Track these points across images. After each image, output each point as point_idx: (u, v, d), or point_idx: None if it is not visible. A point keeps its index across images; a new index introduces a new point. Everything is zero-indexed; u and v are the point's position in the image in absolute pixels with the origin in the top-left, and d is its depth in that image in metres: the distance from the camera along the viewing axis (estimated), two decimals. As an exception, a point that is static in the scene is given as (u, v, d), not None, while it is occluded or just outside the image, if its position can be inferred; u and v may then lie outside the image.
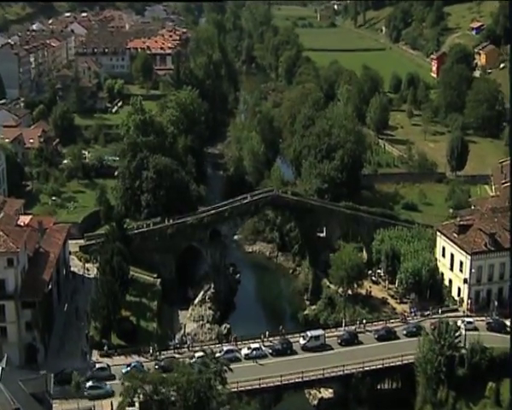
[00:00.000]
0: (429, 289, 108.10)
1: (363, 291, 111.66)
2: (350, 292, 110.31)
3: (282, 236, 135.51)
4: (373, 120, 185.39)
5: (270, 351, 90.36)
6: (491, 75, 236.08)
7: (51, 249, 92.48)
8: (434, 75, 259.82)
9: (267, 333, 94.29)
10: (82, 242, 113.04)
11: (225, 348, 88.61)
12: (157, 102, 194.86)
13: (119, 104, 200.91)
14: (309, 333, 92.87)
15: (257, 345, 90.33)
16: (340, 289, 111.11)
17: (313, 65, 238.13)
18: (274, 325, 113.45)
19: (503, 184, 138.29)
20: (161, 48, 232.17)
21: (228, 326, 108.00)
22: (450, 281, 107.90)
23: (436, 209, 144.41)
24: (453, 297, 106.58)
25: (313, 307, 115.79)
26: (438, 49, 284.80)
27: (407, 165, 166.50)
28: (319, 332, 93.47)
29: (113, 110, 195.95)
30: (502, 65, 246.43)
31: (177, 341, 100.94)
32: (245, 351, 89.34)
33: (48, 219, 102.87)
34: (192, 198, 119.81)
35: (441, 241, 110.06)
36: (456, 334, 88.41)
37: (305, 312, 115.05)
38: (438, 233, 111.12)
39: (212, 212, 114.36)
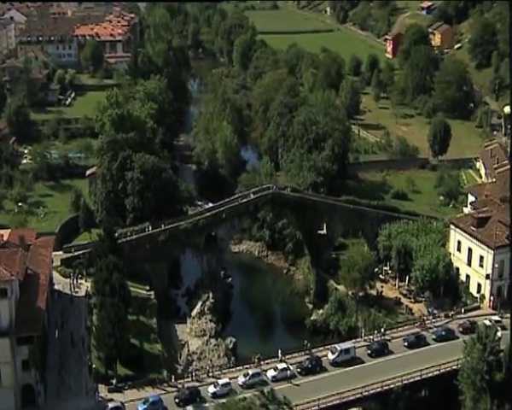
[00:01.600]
0: (444, 286, 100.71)
1: (374, 292, 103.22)
2: (360, 294, 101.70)
3: (272, 234, 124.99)
4: (344, 104, 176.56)
5: (299, 370, 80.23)
6: (447, 55, 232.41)
7: (40, 270, 79.04)
8: (390, 56, 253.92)
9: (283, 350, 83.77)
10: (61, 253, 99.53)
11: (251, 372, 77.81)
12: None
13: (72, 96, 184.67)
14: (338, 347, 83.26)
15: (283, 365, 79.93)
16: (350, 291, 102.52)
17: (271, 49, 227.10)
18: (280, 334, 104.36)
19: (497, 168, 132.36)
20: (111, 34, 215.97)
21: (233, 340, 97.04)
22: (468, 277, 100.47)
23: (426, 197, 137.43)
24: (472, 294, 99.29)
25: (320, 311, 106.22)
26: (389, 29, 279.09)
27: (386, 151, 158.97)
28: (349, 345, 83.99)
29: (67, 102, 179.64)
30: (458, 45, 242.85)
31: (182, 362, 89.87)
32: (271, 373, 78.87)
33: (29, 232, 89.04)
34: (182, 200, 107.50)
35: (456, 234, 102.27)
36: (496, 337, 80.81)
37: (313, 317, 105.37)
38: (452, 226, 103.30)
39: (208, 214, 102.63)
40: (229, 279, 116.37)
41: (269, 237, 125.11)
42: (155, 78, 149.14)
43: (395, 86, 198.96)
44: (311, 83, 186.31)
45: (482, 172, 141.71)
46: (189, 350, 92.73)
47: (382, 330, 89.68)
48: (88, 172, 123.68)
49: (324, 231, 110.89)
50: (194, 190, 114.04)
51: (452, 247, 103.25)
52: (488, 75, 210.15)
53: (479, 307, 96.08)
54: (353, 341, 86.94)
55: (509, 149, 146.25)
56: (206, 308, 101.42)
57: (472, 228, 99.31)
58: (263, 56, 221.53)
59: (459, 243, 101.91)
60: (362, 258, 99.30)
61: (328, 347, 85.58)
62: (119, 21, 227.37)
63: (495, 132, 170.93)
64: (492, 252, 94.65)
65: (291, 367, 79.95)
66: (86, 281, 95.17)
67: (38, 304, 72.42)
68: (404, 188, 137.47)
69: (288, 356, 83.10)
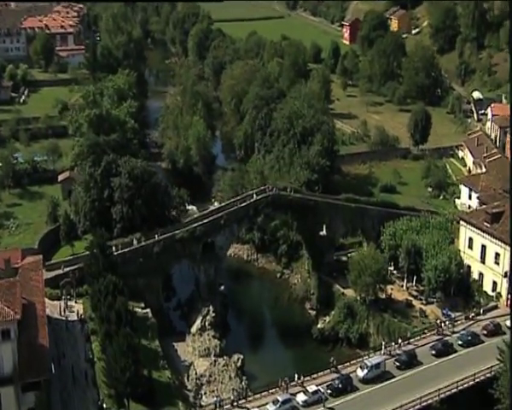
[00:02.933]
0: (455, 285, 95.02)
1: (382, 295, 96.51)
2: (368, 298, 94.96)
3: (262, 236, 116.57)
4: (315, 93, 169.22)
5: (330, 391, 72.63)
6: (406, 41, 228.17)
7: (35, 298, 68.52)
8: (347, 42, 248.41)
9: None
10: (44, 272, 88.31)
11: (280, 399, 69.70)
12: (69, 87, 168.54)
13: (26, 93, 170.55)
14: (368, 362, 76.01)
15: (314, 387, 72.17)
16: (359, 296, 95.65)
17: (230, 38, 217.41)
18: (286, 345, 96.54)
19: (486, 158, 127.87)
20: (62, 26, 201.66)
21: (241, 357, 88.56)
22: (481, 275, 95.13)
23: (413, 189, 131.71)
24: (486, 293, 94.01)
25: (326, 318, 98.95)
26: (343, 15, 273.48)
27: (364, 142, 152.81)
28: (379, 359, 76.91)
29: (21, 100, 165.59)
30: (416, 30, 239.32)
31: (192, 387, 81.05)
32: (302, 397, 70.98)
33: (13, 252, 77.97)
34: (174, 206, 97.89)
35: (467, 231, 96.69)
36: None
37: (319, 325, 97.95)
38: (462, 223, 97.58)
39: (205, 221, 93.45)
40: (222, 287, 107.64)
41: (258, 239, 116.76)
42: (124, 72, 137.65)
43: (361, 74, 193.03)
44: (277, 72, 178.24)
45: (468, 161, 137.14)
46: (196, 373, 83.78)
47: (404, 338, 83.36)
48: (60, 178, 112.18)
49: (324, 232, 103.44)
50: (186, 194, 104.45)
51: (462, 244, 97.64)
52: (451, 60, 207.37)
53: (496, 307, 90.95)
54: (379, 353, 79.74)
55: (492, 137, 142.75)
56: (207, 324, 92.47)
57: (485, 224, 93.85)
58: (221, 46, 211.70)
59: (470, 239, 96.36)
60: (374, 261, 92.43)
61: (354, 362, 78.56)
62: (68, 12, 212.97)
63: (469, 120, 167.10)
64: (510, 248, 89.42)
65: (321, 389, 72.35)
66: (76, 302, 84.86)
67: (41, 341, 62.23)
68: (390, 180, 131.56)
69: (313, 375, 75.45)
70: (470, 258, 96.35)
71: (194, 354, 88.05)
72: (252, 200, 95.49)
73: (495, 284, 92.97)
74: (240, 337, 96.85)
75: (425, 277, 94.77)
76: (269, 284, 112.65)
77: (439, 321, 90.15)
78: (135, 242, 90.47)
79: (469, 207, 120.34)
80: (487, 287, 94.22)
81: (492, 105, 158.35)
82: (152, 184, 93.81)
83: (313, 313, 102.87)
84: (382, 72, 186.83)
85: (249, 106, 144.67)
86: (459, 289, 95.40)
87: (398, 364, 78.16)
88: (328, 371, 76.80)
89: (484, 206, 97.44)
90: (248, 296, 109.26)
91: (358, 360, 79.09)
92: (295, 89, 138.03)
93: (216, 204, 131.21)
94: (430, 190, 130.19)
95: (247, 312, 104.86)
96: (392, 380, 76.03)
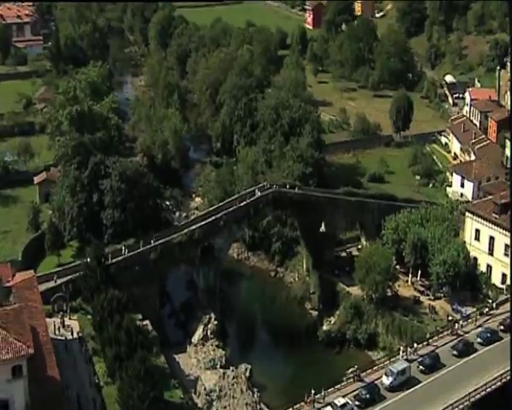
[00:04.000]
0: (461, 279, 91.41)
1: (388, 292, 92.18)
2: (375, 296, 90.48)
3: (253, 233, 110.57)
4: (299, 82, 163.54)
5: (357, 403, 67.68)
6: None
7: (36, 322, 60.94)
8: (310, 27, 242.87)
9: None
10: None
11: (310, 416, 64.52)
12: (31, 80, 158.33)
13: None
14: (393, 369, 71.23)
15: (342, 400, 67.07)
16: (365, 295, 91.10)
17: (194, 25, 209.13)
18: (291, 350, 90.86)
19: (475, 144, 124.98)
20: (18, 16, 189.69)
21: (248, 367, 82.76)
22: (489, 267, 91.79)
23: (401, 178, 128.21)
24: (495, 285, 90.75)
25: (331, 319, 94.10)
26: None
27: (343, 129, 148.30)
28: (404, 365, 72.14)
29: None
30: (380, 13, 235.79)
31: (200, 403, 74.98)
32: (330, 412, 65.87)
33: (3, 268, 69.70)
34: (168, 207, 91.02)
35: (473, 222, 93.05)
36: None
37: (325, 327, 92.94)
38: (468, 214, 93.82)
39: (204, 223, 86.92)
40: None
41: (249, 237, 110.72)
42: (96, 64, 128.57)
43: (332, 59, 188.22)
44: (248, 60, 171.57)
45: (454, 147, 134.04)
46: (205, 388, 77.61)
47: (422, 339, 79.14)
48: (37, 180, 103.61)
49: (323, 228, 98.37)
50: (180, 195, 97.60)
51: (468, 236, 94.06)
52: (419, 43, 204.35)
53: (507, 300, 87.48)
54: (399, 357, 75.08)
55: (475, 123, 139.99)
56: (209, 332, 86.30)
57: (494, 215, 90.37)
58: (185, 33, 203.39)
59: (477, 231, 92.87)
60: (384, 258, 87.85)
61: (375, 368, 73.84)
62: (22, 1, 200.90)
63: (447, 106, 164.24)
64: (509, 242, 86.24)
65: (350, 402, 67.33)
66: (70, 319, 77.27)
67: (51, 373, 55.10)
68: (378, 170, 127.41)
69: (337, 386, 70.40)
70: (477, 250, 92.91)
71: (198, 367, 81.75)
72: (252, 199, 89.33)
73: (504, 276, 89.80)
74: (242, 344, 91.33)
75: (433, 272, 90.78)
76: (263, 284, 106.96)
77: (450, 318, 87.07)
78: (124, 249, 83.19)
79: (462, 195, 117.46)
80: (496, 279, 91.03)
81: (470, 89, 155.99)
82: (144, 186, 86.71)
83: (315, 313, 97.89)
84: (354, 57, 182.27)
85: (226, 96, 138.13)
86: (466, 283, 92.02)
87: (422, 368, 73.75)
88: (352, 380, 71.92)
89: (490, 196, 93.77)
90: (244, 298, 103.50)
91: (378, 365, 74.53)
92: (277, 78, 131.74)
93: (198, 200, 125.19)
94: (418, 178, 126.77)
95: (245, 315, 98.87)
96: (419, 386, 71.55)
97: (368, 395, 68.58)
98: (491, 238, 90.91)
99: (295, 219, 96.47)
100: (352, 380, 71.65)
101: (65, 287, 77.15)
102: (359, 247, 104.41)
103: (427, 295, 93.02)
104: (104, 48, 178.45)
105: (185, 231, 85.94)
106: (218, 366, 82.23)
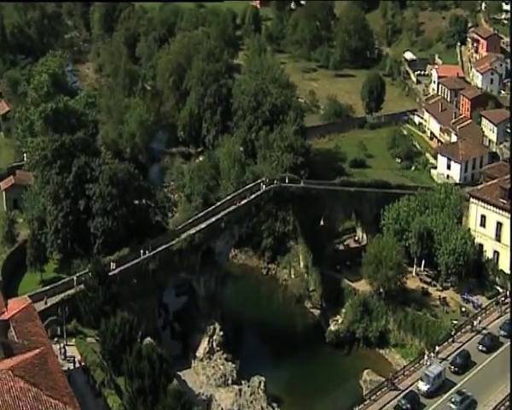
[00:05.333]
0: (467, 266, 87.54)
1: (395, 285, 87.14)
2: (383, 291, 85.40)
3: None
4: (252, 64, 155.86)
5: (393, 411, 62.53)
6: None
7: (49, 358, 52.04)
8: (257, 6, 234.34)
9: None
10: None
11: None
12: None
13: None
14: (429, 373, 66.14)
15: (383, 416, 61.69)
16: (374, 290, 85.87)
17: (141, 8, 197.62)
18: (300, 356, 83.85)
19: (455, 123, 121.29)
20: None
21: (262, 380, 76.03)
22: (496, 253, 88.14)
23: (382, 162, 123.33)
24: (502, 272, 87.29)
25: (337, 318, 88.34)
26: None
27: (313, 113, 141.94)
28: (440, 368, 67.18)
29: None
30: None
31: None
32: (375, 430, 60.27)
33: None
34: (161, 210, 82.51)
35: (478, 208, 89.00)
36: None
37: (332, 327, 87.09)
38: (472, 200, 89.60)
39: (204, 225, 79.00)
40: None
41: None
42: (56, 53, 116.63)
43: (289, 39, 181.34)
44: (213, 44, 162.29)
45: (431, 127, 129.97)
46: (222, 409, 70.47)
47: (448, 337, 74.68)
48: (3, 185, 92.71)
49: (322, 222, 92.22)
50: (172, 196, 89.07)
51: (473, 222, 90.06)
52: (372, 20, 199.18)
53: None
54: (427, 358, 70.04)
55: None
56: (214, 344, 78.93)
57: (501, 200, 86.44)
58: (133, 17, 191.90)
59: (483, 217, 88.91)
60: (396, 252, 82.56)
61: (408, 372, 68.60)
62: None
63: (414, 86, 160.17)
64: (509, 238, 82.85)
65: (391, 416, 62.00)
66: (67, 345, 68.16)
67: (79, 423, 46.67)
68: (358, 154, 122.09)
69: (372, 397, 64.81)
70: (483, 237, 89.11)
71: (209, 385, 74.44)
72: (253, 196, 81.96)
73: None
74: (248, 354, 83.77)
75: (441, 261, 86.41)
76: (256, 283, 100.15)
77: (464, 309, 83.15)
78: (116, 261, 74.49)
79: (448, 177, 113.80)
80: (504, 266, 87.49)
81: (437, 66, 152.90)
82: (136, 188, 77.98)
83: (317, 312, 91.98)
84: (312, 36, 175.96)
85: (193, 82, 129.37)
86: (471, 270, 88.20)
87: (455, 368, 69.08)
88: (385, 388, 66.45)
89: (494, 180, 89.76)
90: (239, 301, 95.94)
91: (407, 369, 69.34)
92: (250, 62, 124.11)
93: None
94: (399, 161, 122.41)
95: (244, 320, 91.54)
96: (455, 388, 66.89)
97: (409, 405, 63.39)
98: (499, 224, 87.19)
99: (295, 214, 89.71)
100: (385, 388, 66.40)
101: (60, 309, 67.67)
102: (356, 238, 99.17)
103: (435, 285, 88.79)
104: (53, 35, 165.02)
105: (184, 236, 77.87)
106: (230, 382, 75.27)
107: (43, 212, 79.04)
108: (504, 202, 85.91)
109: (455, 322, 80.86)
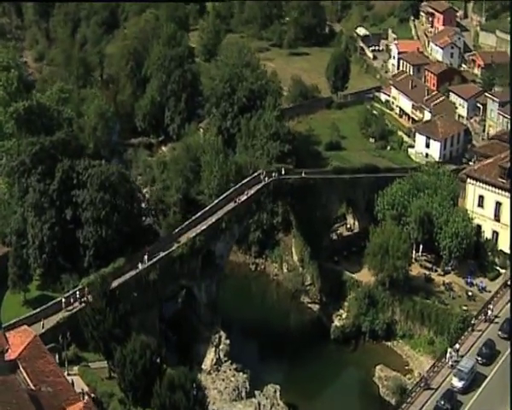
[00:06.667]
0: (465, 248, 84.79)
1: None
2: (388, 281, 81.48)
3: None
4: (206, 46, 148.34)
5: (438, 418, 58.45)
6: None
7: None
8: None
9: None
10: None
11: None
12: None
13: None
14: (463, 368, 62.24)
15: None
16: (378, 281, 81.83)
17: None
18: (308, 356, 78.68)
19: (428, 100, 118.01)
20: None
21: (277, 388, 70.74)
22: (496, 234, 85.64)
23: (356, 142, 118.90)
24: (502, 252, 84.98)
25: (340, 312, 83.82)
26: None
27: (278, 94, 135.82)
28: (471, 362, 63.42)
29: None
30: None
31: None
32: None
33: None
34: (153, 214, 75.13)
35: (476, 189, 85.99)
36: None
37: (337, 323, 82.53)
38: (470, 180, 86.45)
39: (204, 227, 72.21)
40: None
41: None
42: (7, 44, 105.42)
43: (239, 18, 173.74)
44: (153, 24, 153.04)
45: (401, 104, 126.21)
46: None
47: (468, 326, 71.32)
48: None
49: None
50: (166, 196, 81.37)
51: (471, 203, 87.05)
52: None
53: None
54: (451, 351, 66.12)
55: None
56: (221, 355, 72.85)
57: (500, 180, 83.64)
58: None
59: (481, 197, 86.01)
60: (403, 240, 78.50)
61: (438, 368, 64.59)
62: None
63: (371, 62, 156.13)
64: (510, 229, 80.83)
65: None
66: (69, 374, 60.26)
67: None
68: (332, 136, 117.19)
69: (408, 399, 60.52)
70: (481, 217, 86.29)
71: (223, 400, 68.42)
72: (253, 191, 75.71)
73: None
74: (253, 360, 77.79)
75: (444, 246, 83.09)
76: (246, 280, 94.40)
77: (470, 293, 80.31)
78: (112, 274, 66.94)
79: (427, 155, 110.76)
80: (503, 246, 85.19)
81: (396, 42, 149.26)
82: (128, 191, 70.26)
83: (316, 307, 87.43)
84: (263, 15, 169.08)
85: (154, 69, 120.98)
86: (469, 252, 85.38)
87: (483, 360, 65.61)
88: (419, 388, 62.31)
89: (489, 159, 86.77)
90: (230, 301, 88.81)
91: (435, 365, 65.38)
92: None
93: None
94: (373, 141, 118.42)
95: (240, 322, 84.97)
96: (488, 381, 63.41)
97: (448, 406, 59.48)
98: (498, 204, 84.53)
99: (291, 206, 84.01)
100: (419, 389, 62.25)
101: (61, 336, 59.87)
102: (348, 226, 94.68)
103: (436, 270, 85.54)
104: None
105: (184, 240, 70.96)
106: (244, 394, 69.49)
107: (22, 224, 70.18)
108: (504, 181, 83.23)
109: (464, 308, 78.91)
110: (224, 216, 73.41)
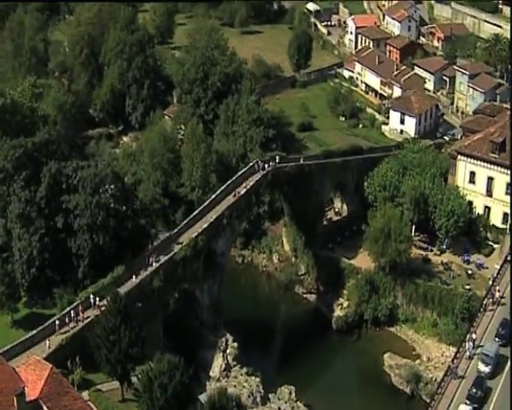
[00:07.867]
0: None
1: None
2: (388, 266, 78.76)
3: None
4: (159, 29, 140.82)
5: (475, 405, 55.52)
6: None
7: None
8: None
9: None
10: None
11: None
12: None
13: None
14: (488, 352, 59.62)
15: (465, 407, 54.49)
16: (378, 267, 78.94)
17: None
18: (313, 350, 75.07)
19: (397, 75, 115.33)
20: None
21: (292, 389, 66.89)
22: (488, 209, 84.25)
23: (327, 121, 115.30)
24: (494, 226, 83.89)
25: (340, 301, 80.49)
26: None
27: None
28: (496, 345, 61.00)
29: None
30: None
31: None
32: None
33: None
34: (146, 214, 68.99)
35: (467, 165, 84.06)
36: None
37: (339, 312, 79.16)
38: (460, 157, 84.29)
39: (205, 225, 66.82)
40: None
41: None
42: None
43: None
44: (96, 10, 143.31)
45: (368, 80, 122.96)
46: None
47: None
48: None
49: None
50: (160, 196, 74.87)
51: (462, 179, 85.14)
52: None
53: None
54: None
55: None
56: (230, 359, 68.16)
57: (492, 155, 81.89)
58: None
59: (472, 173, 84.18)
60: (404, 224, 75.61)
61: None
62: None
63: (326, 38, 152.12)
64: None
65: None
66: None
67: None
68: (302, 116, 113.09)
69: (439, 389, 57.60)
70: (472, 193, 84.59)
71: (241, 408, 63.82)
72: (252, 183, 70.74)
73: (505, 215, 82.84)
74: (259, 360, 72.69)
75: (440, 225, 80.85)
76: (232, 273, 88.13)
77: (470, 271, 78.59)
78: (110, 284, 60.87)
79: (402, 132, 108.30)
80: (496, 220, 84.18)
81: (353, 17, 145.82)
82: (122, 192, 63.91)
83: (312, 297, 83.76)
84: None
85: (112, 55, 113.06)
86: (460, 228, 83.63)
87: (502, 341, 63.52)
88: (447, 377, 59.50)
89: (479, 134, 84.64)
90: (224, 297, 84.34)
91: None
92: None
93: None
94: (343, 119, 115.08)
95: (235, 320, 79.05)
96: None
97: (481, 393, 56.93)
98: (490, 179, 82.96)
99: (285, 195, 79.39)
100: (447, 378, 59.43)
101: (70, 360, 53.66)
102: (336, 210, 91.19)
103: (431, 250, 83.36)
104: None
105: (187, 240, 65.44)
106: (259, 399, 65.20)
107: (5, 237, 62.90)
108: (496, 156, 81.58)
109: (467, 287, 77.12)
110: (224, 211, 68.17)
